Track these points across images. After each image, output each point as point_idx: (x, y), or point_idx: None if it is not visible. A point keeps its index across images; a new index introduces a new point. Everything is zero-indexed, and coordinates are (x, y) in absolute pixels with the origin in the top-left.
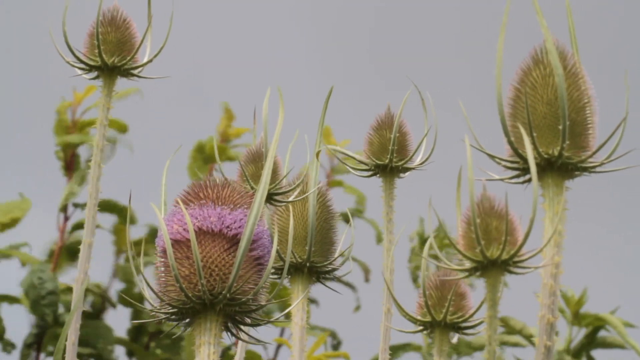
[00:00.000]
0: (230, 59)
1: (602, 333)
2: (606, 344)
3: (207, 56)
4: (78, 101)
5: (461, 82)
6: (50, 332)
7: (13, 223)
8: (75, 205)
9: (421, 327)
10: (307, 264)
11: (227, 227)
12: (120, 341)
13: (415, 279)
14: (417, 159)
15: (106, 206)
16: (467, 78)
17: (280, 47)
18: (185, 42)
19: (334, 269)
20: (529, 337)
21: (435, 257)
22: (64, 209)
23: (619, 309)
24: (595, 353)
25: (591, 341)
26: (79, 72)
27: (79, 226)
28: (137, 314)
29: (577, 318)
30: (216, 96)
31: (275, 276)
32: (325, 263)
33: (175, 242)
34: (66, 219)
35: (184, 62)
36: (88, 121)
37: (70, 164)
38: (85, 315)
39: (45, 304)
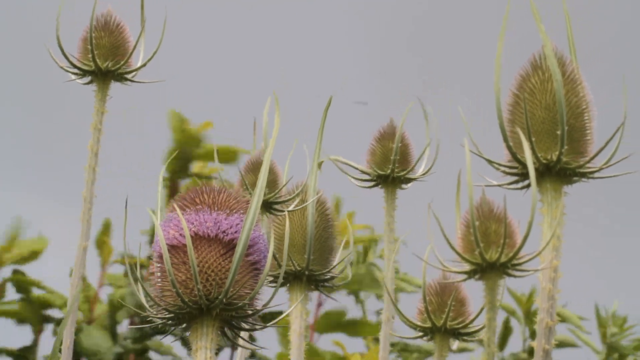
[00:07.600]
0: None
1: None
2: (558, 344)
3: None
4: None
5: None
6: None
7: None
8: None
9: (421, 333)
10: (306, 272)
11: (224, 232)
12: None
13: None
14: (420, 170)
15: None
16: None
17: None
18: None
19: (333, 277)
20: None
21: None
22: None
23: (569, 303)
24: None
25: None
26: (73, 77)
27: None
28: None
29: (529, 317)
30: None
31: (274, 284)
32: (324, 271)
33: (172, 248)
34: None
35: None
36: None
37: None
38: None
39: None
